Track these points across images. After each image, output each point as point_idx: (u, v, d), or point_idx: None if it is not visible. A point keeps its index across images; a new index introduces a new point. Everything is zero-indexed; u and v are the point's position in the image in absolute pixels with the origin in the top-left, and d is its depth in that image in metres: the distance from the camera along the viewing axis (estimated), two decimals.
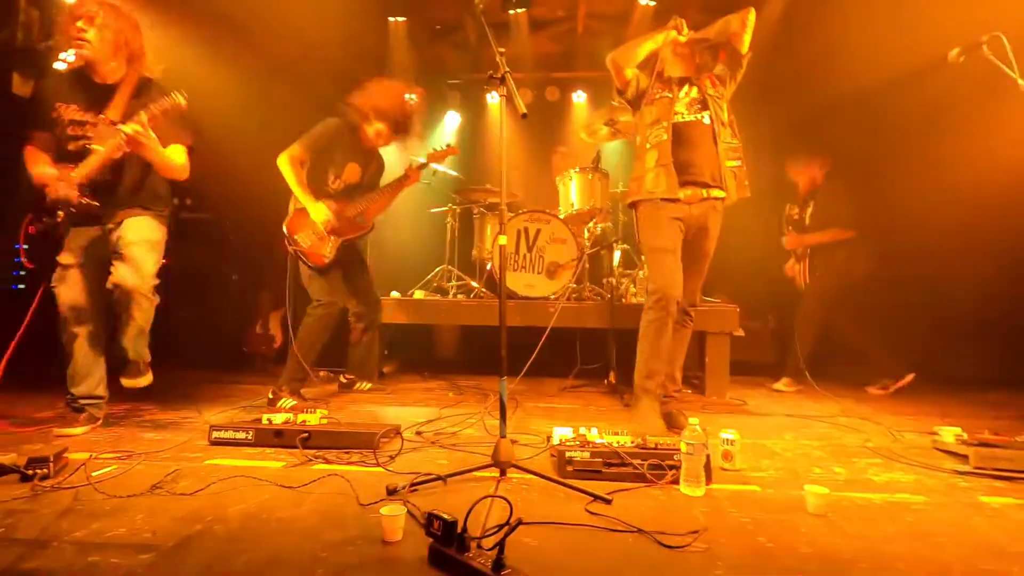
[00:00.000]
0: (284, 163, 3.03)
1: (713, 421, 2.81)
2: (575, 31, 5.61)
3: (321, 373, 3.84)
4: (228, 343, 4.54)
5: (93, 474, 1.82)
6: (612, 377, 3.67)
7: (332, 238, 3.09)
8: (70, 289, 2.37)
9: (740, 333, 3.63)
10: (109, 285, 2.34)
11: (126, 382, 2.50)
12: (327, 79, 3.18)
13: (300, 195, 3.04)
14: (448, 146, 3.50)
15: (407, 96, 3.23)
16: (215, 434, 2.25)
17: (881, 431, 2.71)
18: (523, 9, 5.01)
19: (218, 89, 4.05)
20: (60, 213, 2.28)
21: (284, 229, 3.08)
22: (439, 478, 1.82)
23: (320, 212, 3.03)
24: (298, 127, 3.18)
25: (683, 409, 2.83)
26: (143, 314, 2.41)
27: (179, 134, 2.44)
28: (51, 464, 1.79)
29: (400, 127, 3.22)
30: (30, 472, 1.76)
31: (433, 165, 3.68)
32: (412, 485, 1.76)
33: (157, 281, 2.43)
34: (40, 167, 2.32)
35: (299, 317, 3.20)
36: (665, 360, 2.72)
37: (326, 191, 3.14)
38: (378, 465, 2.00)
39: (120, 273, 2.34)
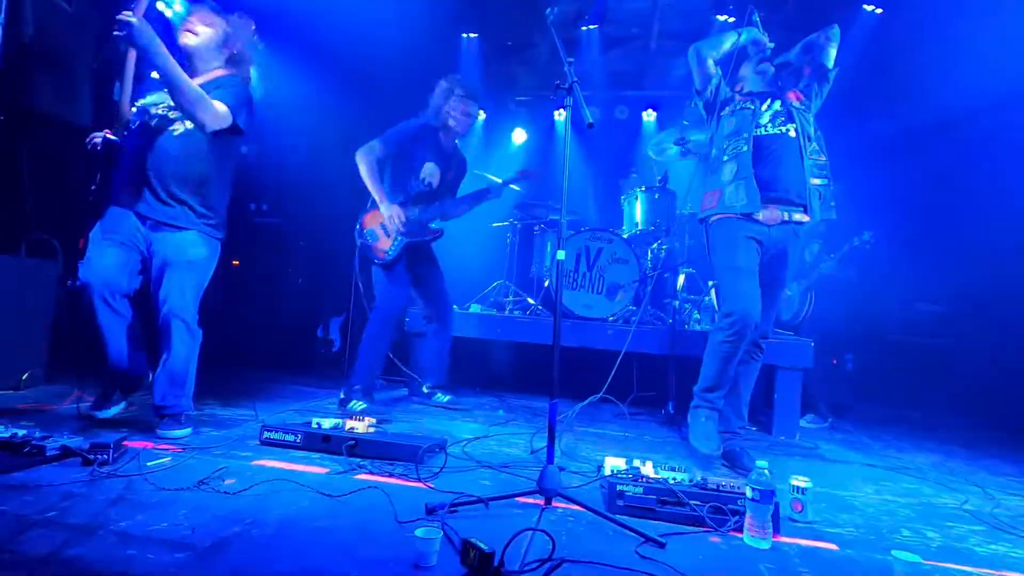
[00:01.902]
0: (360, 156, 3.10)
1: (781, 465, 2.57)
2: (647, 49, 5.51)
3: None
4: (289, 345, 4.67)
5: (148, 464, 1.87)
6: (671, 407, 3.47)
7: (398, 237, 3.12)
8: (95, 263, 2.27)
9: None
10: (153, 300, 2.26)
11: (162, 433, 2.25)
12: (400, 92, 3.24)
13: (371, 188, 3.11)
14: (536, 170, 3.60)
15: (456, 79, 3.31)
16: (266, 434, 2.27)
17: (980, 492, 2.39)
18: (596, 25, 4.97)
19: (295, 104, 4.25)
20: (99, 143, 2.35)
21: (359, 221, 3.15)
22: (481, 501, 1.74)
23: (387, 207, 3.09)
24: (369, 139, 3.24)
25: (748, 449, 2.61)
26: (183, 345, 2.28)
27: (234, 104, 2.32)
28: (111, 451, 1.85)
29: (470, 93, 3.25)
30: (91, 457, 1.82)
31: (493, 177, 3.68)
32: (452, 505, 1.68)
33: (195, 313, 2.29)
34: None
35: (359, 323, 3.23)
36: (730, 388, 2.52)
37: (407, 192, 3.18)
38: (420, 481, 1.94)
39: (159, 295, 2.26)
